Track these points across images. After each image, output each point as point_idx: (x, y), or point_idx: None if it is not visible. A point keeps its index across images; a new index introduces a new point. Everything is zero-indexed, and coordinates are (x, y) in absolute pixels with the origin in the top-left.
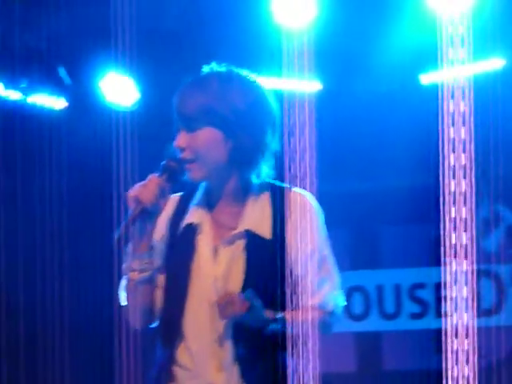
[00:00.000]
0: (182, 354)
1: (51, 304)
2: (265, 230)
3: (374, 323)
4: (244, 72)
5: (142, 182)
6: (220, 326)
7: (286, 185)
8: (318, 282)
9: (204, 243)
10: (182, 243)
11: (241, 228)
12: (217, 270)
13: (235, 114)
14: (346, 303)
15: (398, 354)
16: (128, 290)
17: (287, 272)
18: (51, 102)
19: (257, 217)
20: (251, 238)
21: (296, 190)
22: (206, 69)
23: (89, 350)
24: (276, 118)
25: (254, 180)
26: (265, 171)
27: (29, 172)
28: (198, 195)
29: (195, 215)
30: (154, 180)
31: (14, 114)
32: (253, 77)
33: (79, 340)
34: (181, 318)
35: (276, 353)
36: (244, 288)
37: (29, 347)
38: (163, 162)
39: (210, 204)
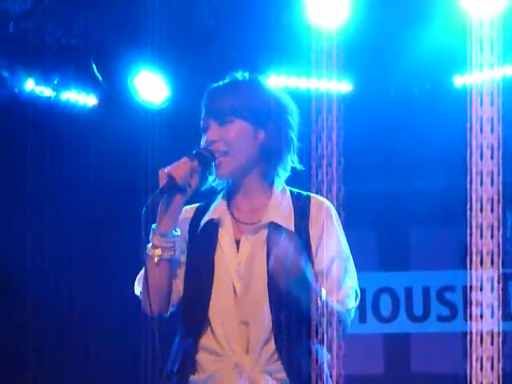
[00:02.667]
0: (208, 340)
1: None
2: (288, 223)
3: (402, 325)
4: (264, 78)
5: (175, 163)
6: (245, 310)
7: (303, 192)
8: (342, 278)
9: (225, 236)
10: (204, 237)
11: (265, 220)
12: (240, 257)
13: (264, 107)
14: (357, 304)
15: (425, 356)
16: (147, 269)
17: (311, 264)
18: (83, 98)
19: (280, 211)
20: (274, 229)
21: (314, 195)
22: (233, 75)
23: (113, 345)
24: (297, 118)
25: (278, 177)
26: (290, 166)
27: (59, 168)
28: (219, 197)
29: (215, 212)
30: (186, 160)
31: (46, 111)
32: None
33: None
34: (207, 305)
35: (306, 340)
36: (269, 273)
37: (55, 341)
38: (197, 149)
39: (230, 203)
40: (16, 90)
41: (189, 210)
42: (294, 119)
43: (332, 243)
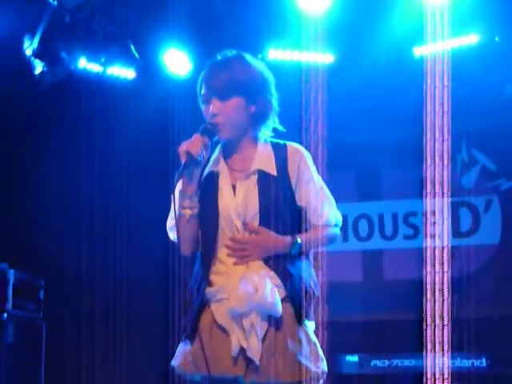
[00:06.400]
0: (218, 265)
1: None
2: (271, 169)
3: (376, 243)
4: (247, 54)
5: (189, 140)
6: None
7: (280, 141)
8: (320, 206)
9: (224, 183)
10: (207, 186)
11: (253, 168)
12: (237, 199)
13: (253, 84)
14: (341, 217)
15: (395, 267)
16: (180, 224)
17: (291, 199)
18: (124, 72)
19: (264, 160)
20: (261, 175)
21: (289, 143)
22: (222, 54)
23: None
24: (274, 86)
25: (262, 134)
26: (272, 125)
27: (108, 128)
28: (216, 151)
29: (214, 165)
30: (198, 137)
31: (96, 82)
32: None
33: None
34: (216, 239)
35: (291, 257)
36: (260, 211)
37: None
38: (203, 125)
39: (226, 155)
40: (72, 67)
41: None
42: (274, 87)
43: (308, 181)
